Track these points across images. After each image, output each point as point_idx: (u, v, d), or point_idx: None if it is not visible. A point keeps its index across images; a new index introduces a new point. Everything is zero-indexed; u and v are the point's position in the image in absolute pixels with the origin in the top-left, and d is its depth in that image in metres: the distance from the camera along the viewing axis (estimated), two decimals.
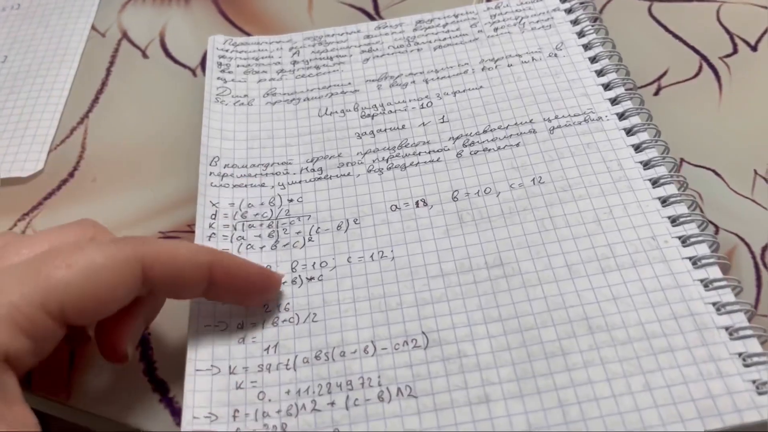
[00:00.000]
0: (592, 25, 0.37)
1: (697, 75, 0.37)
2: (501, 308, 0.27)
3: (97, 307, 0.24)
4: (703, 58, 0.37)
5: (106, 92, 0.40)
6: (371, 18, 0.42)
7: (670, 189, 0.30)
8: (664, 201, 0.30)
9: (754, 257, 0.29)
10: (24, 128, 0.38)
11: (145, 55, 0.42)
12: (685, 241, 0.29)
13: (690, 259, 0.28)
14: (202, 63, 0.41)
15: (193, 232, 0.31)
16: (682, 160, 0.33)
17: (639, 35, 0.38)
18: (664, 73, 0.37)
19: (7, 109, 0.39)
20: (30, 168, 0.36)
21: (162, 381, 0.29)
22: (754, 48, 0.38)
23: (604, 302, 0.27)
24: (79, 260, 0.23)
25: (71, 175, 0.36)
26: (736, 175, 0.32)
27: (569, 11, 0.39)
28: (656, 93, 0.36)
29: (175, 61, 0.41)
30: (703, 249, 0.28)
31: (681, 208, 0.30)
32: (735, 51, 0.38)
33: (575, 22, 0.38)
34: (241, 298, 0.28)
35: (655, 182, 0.31)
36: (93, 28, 0.44)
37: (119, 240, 0.25)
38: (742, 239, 0.30)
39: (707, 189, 0.30)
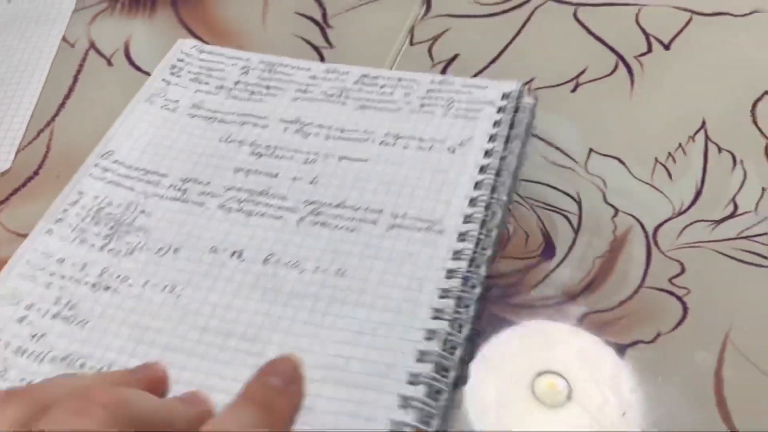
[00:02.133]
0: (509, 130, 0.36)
1: (612, 73, 0.40)
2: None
3: None
4: (620, 57, 0.41)
5: (73, 98, 0.43)
6: (320, 27, 0.45)
7: (443, 324, 0.29)
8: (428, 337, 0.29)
9: (647, 236, 0.33)
10: None
11: (110, 63, 0.45)
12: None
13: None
14: None
15: None
16: (591, 149, 0.36)
17: (563, 37, 0.42)
18: (583, 71, 0.40)
19: None
20: None
21: None
22: (667, 47, 0.41)
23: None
24: None
25: (36, 173, 0.39)
26: (638, 163, 0.36)
27: (500, 110, 0.37)
28: (573, 90, 0.39)
29: (138, 69, 0.44)
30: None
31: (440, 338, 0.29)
32: (649, 50, 0.41)
33: (497, 124, 0.36)
34: None
35: (435, 317, 0.30)
36: (64, 39, 0.47)
37: None
38: (637, 220, 0.33)
39: (612, 176, 0.34)
